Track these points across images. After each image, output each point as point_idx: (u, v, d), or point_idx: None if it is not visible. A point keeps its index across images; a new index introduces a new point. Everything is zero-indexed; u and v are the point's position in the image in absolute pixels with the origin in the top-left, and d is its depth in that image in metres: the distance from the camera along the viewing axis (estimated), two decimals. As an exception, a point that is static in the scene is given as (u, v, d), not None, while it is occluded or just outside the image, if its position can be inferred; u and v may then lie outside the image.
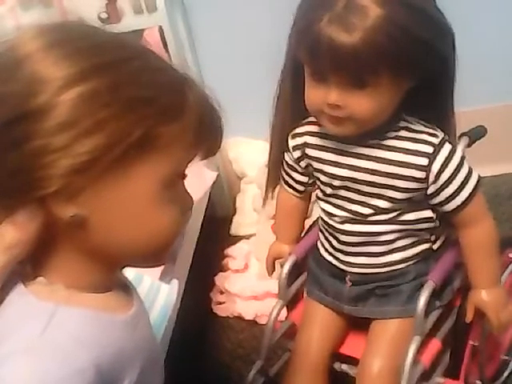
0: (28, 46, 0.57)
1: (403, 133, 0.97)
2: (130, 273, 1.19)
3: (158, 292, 1.16)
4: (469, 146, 1.05)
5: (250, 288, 1.53)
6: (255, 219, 1.77)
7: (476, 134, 1.07)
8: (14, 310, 0.60)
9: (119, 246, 0.61)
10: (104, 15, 1.72)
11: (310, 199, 1.15)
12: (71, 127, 0.54)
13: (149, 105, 0.57)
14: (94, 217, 0.58)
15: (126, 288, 0.70)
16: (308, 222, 1.20)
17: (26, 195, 0.55)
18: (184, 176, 0.65)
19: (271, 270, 1.20)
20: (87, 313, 0.60)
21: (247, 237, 1.75)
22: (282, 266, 1.14)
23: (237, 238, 1.77)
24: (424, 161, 0.95)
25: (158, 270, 1.24)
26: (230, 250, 1.69)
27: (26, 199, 0.56)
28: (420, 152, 0.95)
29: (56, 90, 0.54)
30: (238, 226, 1.82)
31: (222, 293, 1.59)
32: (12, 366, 0.55)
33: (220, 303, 1.58)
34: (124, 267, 0.70)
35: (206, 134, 0.63)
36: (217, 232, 1.78)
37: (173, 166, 0.61)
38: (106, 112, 0.55)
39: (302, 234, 1.18)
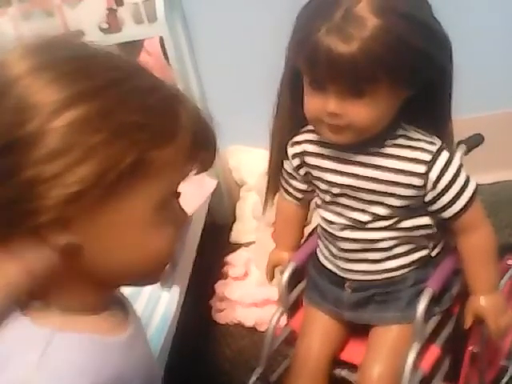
0: (15, 69, 0.55)
1: (401, 141, 0.98)
2: None
3: (159, 300, 1.17)
4: (466, 153, 1.06)
5: (249, 295, 1.54)
6: (255, 227, 1.78)
7: (473, 142, 1.08)
8: (11, 336, 0.59)
9: (115, 269, 0.60)
10: (104, 25, 1.73)
11: (309, 207, 1.16)
12: (62, 155, 0.53)
13: (141, 129, 0.56)
14: (89, 243, 0.57)
15: (122, 305, 0.69)
16: (307, 230, 1.21)
17: (19, 225, 0.54)
18: (178, 194, 0.64)
19: (271, 277, 1.20)
20: (83, 338, 0.60)
21: (247, 244, 1.76)
22: (281, 273, 1.15)
23: (236, 246, 1.78)
24: (422, 168, 0.96)
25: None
26: (230, 258, 1.70)
27: (19, 229, 0.54)
28: (418, 160, 0.96)
29: (45, 116, 0.53)
30: (238, 234, 1.83)
31: (221, 300, 1.60)
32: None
33: (220, 310, 1.58)
34: (119, 286, 0.69)
35: (199, 150, 0.62)
36: (216, 239, 1.79)
37: (166, 187, 0.60)
38: (96, 138, 0.54)
39: (302, 242, 1.18)
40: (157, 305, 1.17)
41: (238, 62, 1.85)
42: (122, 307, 0.69)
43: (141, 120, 0.56)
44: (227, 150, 1.92)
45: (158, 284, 1.22)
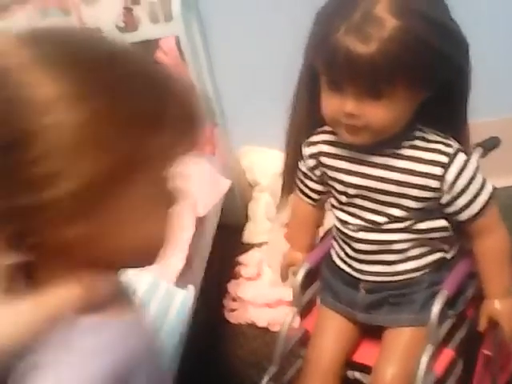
0: (14, 59, 0.53)
1: (418, 142, 0.98)
2: (147, 278, 1.21)
3: (174, 297, 1.17)
4: (483, 156, 1.05)
5: (262, 295, 1.54)
6: (267, 227, 1.78)
7: (490, 145, 1.08)
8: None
9: (116, 253, 0.61)
10: (121, 24, 1.74)
11: (324, 208, 1.16)
12: (68, 150, 0.52)
13: (144, 120, 0.56)
14: (94, 233, 0.57)
15: (125, 294, 0.70)
16: (321, 231, 1.21)
17: (29, 219, 0.54)
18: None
19: (285, 277, 1.20)
20: (98, 321, 0.61)
21: (259, 245, 1.77)
22: (295, 273, 1.15)
23: (249, 246, 1.78)
24: (438, 170, 0.95)
25: (174, 276, 1.26)
26: (243, 258, 1.70)
27: (29, 224, 0.55)
28: (434, 162, 0.96)
29: (48, 111, 0.52)
30: (251, 234, 1.83)
31: (234, 300, 1.60)
32: (41, 378, 0.56)
33: (233, 310, 1.59)
34: (119, 269, 0.70)
35: (189, 133, 0.62)
36: (229, 240, 1.79)
37: (164, 171, 0.61)
38: (103, 133, 0.54)
39: (316, 242, 1.18)
40: (172, 302, 1.17)
41: (253, 61, 1.85)
42: (126, 295, 0.70)
43: (146, 110, 0.56)
44: (241, 150, 1.93)
45: (174, 282, 1.23)
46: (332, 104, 0.94)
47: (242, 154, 1.91)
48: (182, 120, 0.60)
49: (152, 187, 0.60)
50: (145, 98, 0.57)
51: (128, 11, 1.72)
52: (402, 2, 0.88)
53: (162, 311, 1.14)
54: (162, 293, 1.15)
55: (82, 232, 0.57)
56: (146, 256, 0.64)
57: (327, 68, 0.92)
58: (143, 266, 0.68)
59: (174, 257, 1.36)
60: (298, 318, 1.17)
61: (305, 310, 1.18)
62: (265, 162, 1.87)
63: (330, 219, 1.11)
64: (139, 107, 0.56)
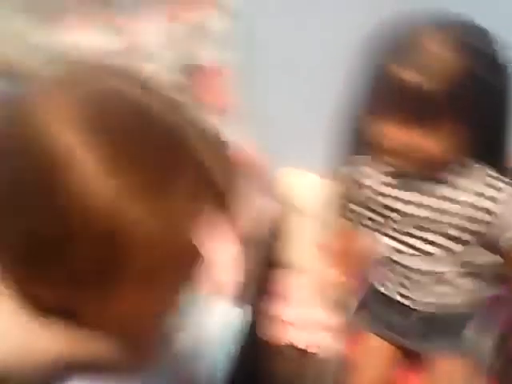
0: (62, 138, 0.50)
1: (466, 173, 1.00)
2: (201, 298, 1.22)
3: (228, 315, 1.18)
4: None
5: (303, 317, 1.55)
6: (308, 250, 1.80)
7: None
8: None
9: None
10: (171, 47, 1.78)
11: (370, 234, 1.17)
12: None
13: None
14: None
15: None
16: (366, 257, 1.22)
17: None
18: None
19: (329, 301, 1.22)
20: None
21: (300, 267, 1.78)
22: (339, 297, 1.16)
23: (291, 269, 1.79)
24: (488, 203, 0.97)
25: (224, 295, 1.27)
26: (284, 280, 1.72)
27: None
28: (483, 194, 0.98)
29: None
30: (292, 257, 1.85)
31: (274, 321, 1.61)
32: None
33: (272, 331, 1.60)
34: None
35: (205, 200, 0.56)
36: (269, 261, 1.81)
37: None
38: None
39: (363, 268, 1.20)
40: (225, 320, 1.18)
41: (299, 84, 1.87)
42: None
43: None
44: (280, 173, 1.95)
45: (228, 301, 1.24)
46: (382, 131, 0.96)
47: (282, 177, 1.93)
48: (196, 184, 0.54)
49: None
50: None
51: (178, 36, 1.76)
52: (455, 38, 0.91)
53: (215, 328, 1.15)
54: (217, 310, 1.17)
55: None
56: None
57: (380, 96, 0.95)
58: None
59: (222, 276, 1.38)
60: (338, 342, 1.18)
61: (347, 334, 1.19)
62: (304, 186, 1.89)
63: (377, 246, 1.13)
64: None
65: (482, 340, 1.01)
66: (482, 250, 1.02)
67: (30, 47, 1.90)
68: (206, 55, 1.79)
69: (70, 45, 1.86)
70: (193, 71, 1.83)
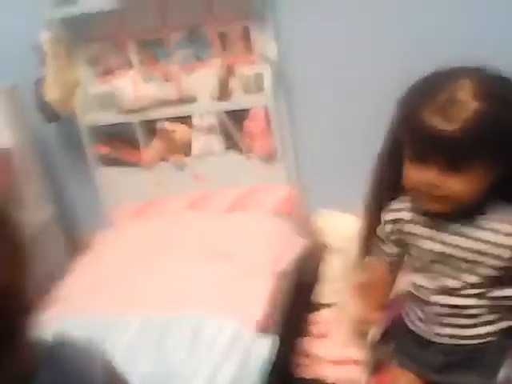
0: None
1: (493, 213, 1.04)
2: (229, 327, 1.25)
3: (256, 345, 1.22)
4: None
5: (332, 353, 1.59)
6: (339, 288, 1.85)
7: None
8: None
9: None
10: (215, 93, 1.89)
11: (397, 271, 1.21)
12: None
13: None
14: None
15: None
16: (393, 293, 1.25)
17: None
18: None
19: (357, 336, 1.26)
20: None
21: (330, 305, 1.83)
22: (368, 333, 1.20)
23: (321, 306, 1.84)
24: None
25: (253, 327, 1.31)
26: (314, 316, 1.77)
27: None
28: (509, 233, 1.02)
29: None
30: (322, 294, 1.89)
31: (305, 355, 1.66)
32: None
33: (302, 365, 1.64)
34: None
35: None
36: (302, 298, 1.86)
37: None
38: None
39: (389, 303, 1.23)
40: (253, 349, 1.23)
41: (334, 127, 1.95)
42: None
43: None
44: (317, 212, 2.02)
45: (257, 332, 1.26)
46: (415, 174, 1.02)
47: (318, 217, 2.00)
48: None
49: None
50: None
51: (223, 82, 1.87)
52: (481, 87, 0.97)
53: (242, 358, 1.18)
54: (243, 340, 1.20)
55: None
56: None
57: (413, 142, 1.01)
58: None
59: (253, 309, 1.44)
60: (368, 377, 1.22)
61: (376, 370, 1.23)
62: (339, 226, 1.94)
63: (402, 282, 1.17)
64: None
65: (502, 373, 1.03)
66: (504, 283, 1.05)
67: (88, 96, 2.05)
68: (251, 101, 1.89)
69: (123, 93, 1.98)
70: (239, 117, 1.93)
